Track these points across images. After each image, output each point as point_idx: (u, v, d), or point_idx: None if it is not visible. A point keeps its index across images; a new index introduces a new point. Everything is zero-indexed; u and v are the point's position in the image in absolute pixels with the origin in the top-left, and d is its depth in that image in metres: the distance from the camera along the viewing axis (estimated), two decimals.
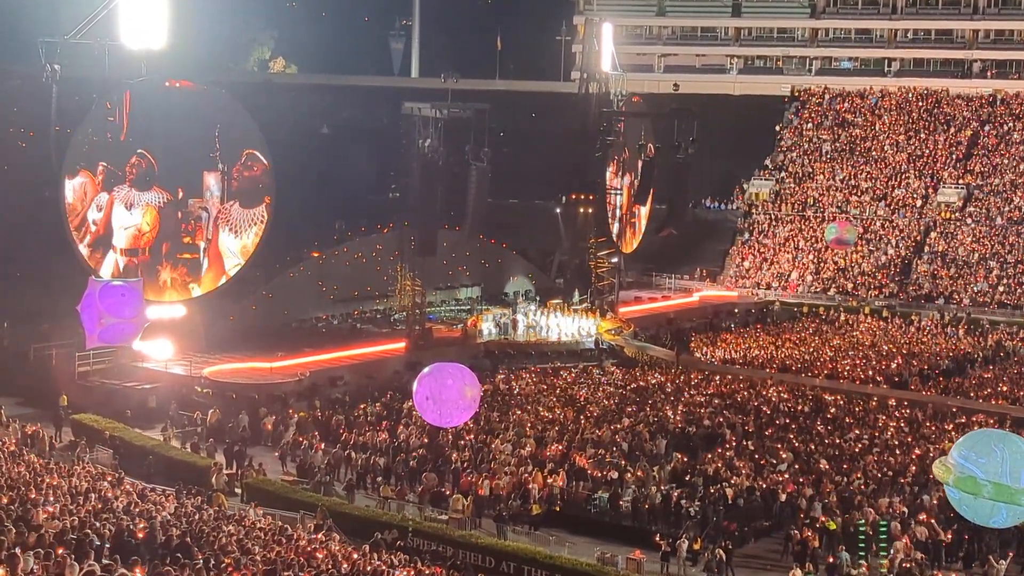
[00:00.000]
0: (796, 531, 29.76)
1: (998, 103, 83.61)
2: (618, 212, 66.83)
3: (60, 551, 17.12)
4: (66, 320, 40.95)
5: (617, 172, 66.34)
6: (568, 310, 57.15)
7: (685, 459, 35.78)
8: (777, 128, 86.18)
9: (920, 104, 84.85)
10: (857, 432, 39.13)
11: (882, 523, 29.84)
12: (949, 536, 29.72)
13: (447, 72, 57.96)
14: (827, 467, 34.93)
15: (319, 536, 26.31)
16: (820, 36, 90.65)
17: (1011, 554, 28.69)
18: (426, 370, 25.36)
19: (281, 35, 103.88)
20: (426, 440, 36.97)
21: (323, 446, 37.11)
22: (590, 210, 61.21)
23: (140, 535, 20.37)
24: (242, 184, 48.13)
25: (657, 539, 29.77)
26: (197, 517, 24.54)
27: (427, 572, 24.72)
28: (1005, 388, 47.32)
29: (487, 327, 54.41)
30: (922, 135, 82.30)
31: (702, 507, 31.54)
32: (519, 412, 41.00)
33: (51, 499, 22.45)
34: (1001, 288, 67.88)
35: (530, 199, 72.09)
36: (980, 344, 58.15)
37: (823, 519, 30.59)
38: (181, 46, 50.65)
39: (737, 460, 35.58)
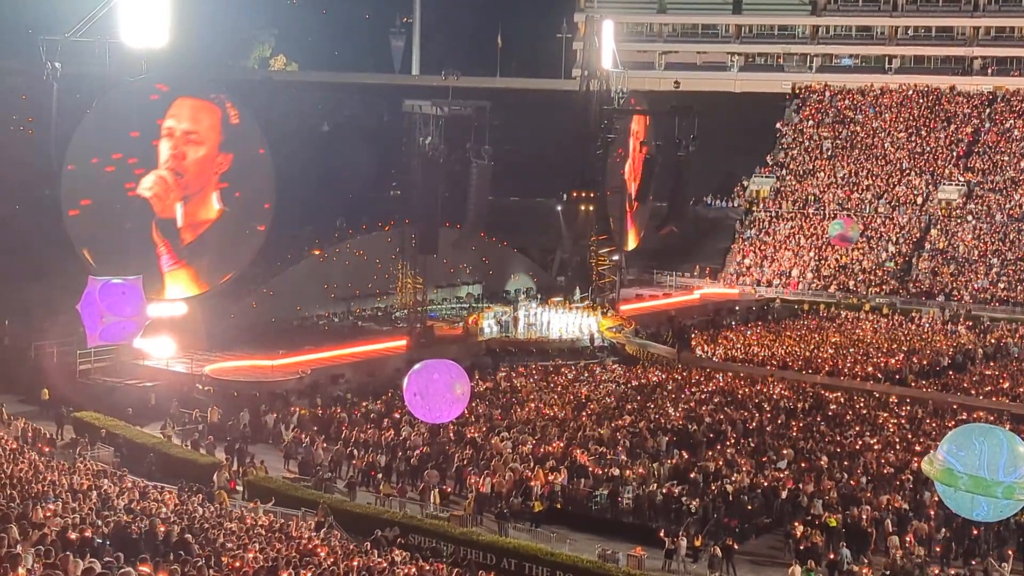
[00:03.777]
0: (798, 528, 29.75)
1: (998, 100, 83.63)
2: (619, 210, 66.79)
3: (61, 549, 17.13)
4: (67, 317, 40.97)
5: (619, 169, 66.31)
6: (569, 307, 57.15)
7: (686, 456, 35.81)
8: (778, 125, 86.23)
9: (921, 101, 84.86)
10: (857, 429, 39.15)
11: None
12: (946, 533, 29.78)
13: (448, 70, 58.15)
14: (827, 464, 34.96)
15: (320, 534, 26.34)
16: (821, 33, 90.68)
17: (1011, 552, 28.61)
18: (416, 366, 25.31)
19: (282, 33, 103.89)
20: (427, 437, 36.98)
21: (324, 444, 37.15)
22: (591, 207, 61.20)
23: (141, 532, 20.40)
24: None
25: (661, 535, 29.78)
26: (198, 515, 24.57)
27: (428, 569, 24.73)
28: (1006, 385, 47.34)
29: (488, 325, 54.42)
30: (923, 132, 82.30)
31: (703, 504, 31.57)
32: (520, 409, 41.00)
33: (52, 496, 22.47)
34: (1002, 285, 67.86)
35: (531, 197, 72.07)
36: (981, 340, 58.15)
37: (825, 516, 30.61)
38: (181, 44, 50.60)
39: (738, 457, 35.61)
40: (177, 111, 45.67)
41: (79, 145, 43.38)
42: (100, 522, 20.44)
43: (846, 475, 33.93)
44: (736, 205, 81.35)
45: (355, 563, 22.34)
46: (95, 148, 43.62)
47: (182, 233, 46.67)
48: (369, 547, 25.84)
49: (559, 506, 32.87)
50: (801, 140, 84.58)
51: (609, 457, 35.21)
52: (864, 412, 41.88)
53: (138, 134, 44.54)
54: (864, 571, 28.05)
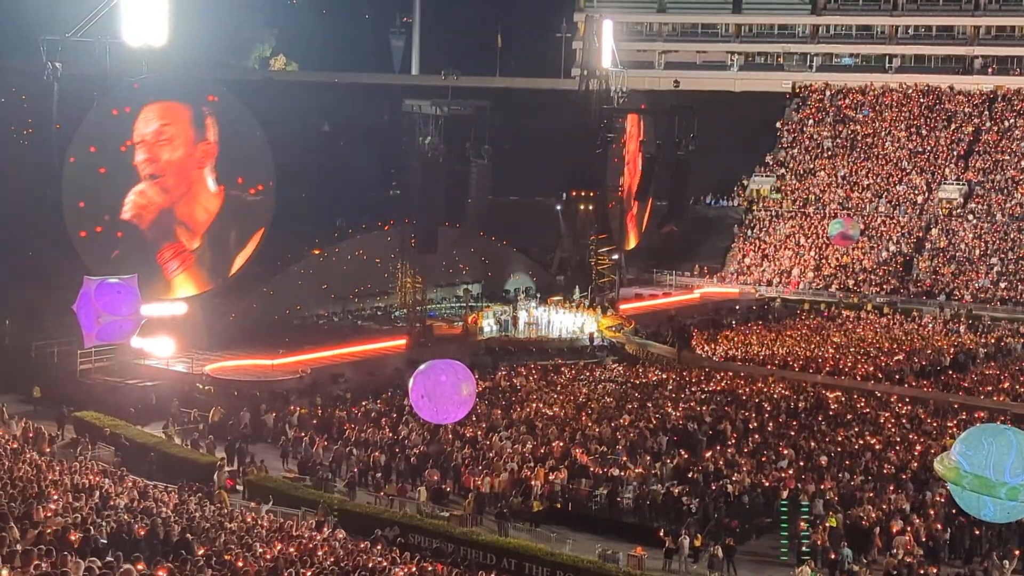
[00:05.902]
0: (803, 527, 29.74)
1: (999, 99, 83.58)
2: (619, 209, 66.85)
3: (62, 548, 17.12)
4: (67, 317, 40.94)
5: (618, 169, 66.38)
6: (569, 307, 57.11)
7: (687, 456, 35.79)
8: (778, 125, 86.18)
9: (921, 100, 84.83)
10: (858, 428, 39.12)
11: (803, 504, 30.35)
12: (947, 533, 29.77)
13: (447, 69, 58.09)
14: (828, 463, 34.93)
15: (320, 533, 26.33)
16: (821, 32, 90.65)
17: (1016, 552, 28.58)
18: (421, 367, 25.23)
19: (282, 33, 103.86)
20: (427, 437, 36.98)
21: (324, 443, 37.16)
22: (591, 207, 61.18)
23: (141, 532, 20.39)
24: None
25: (661, 535, 29.76)
26: (198, 515, 24.56)
27: (429, 569, 24.71)
28: (1006, 384, 47.32)
29: (488, 324, 54.40)
30: (923, 131, 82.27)
31: (703, 504, 31.54)
32: (520, 409, 40.99)
33: (53, 496, 22.44)
34: (1003, 284, 67.85)
35: (531, 196, 72.06)
36: (981, 340, 58.14)
37: (830, 514, 30.62)
38: (182, 43, 50.59)
39: (738, 457, 35.58)
40: (145, 116, 45.29)
41: (79, 146, 43.49)
42: (101, 522, 20.42)
43: (847, 475, 33.92)
44: (736, 204, 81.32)
45: (357, 562, 22.35)
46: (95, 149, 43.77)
47: (184, 240, 46.85)
48: (369, 546, 25.82)
49: (559, 506, 32.86)
50: (801, 139, 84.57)
51: (609, 456, 35.20)
52: (865, 412, 41.87)
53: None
54: (864, 571, 28.04)
